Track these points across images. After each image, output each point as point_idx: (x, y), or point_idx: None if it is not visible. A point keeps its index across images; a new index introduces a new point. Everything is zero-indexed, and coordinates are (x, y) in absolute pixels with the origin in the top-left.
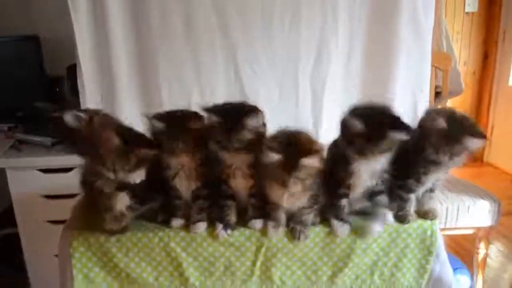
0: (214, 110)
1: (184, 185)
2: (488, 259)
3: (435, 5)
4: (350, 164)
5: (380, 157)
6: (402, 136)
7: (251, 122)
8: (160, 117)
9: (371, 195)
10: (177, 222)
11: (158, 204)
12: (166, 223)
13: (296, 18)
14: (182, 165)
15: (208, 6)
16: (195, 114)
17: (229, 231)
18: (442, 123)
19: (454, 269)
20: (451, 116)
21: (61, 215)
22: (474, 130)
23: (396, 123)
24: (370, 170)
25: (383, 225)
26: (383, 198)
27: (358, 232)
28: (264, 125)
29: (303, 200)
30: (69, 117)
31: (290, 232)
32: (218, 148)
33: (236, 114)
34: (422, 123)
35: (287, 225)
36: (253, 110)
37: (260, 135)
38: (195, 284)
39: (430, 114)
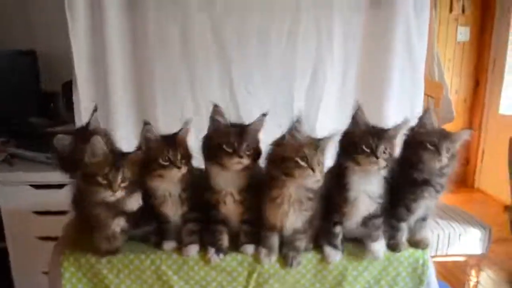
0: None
1: (172, 210)
2: (479, 287)
3: (428, 33)
4: (347, 190)
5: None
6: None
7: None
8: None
9: (367, 219)
10: (168, 244)
11: (152, 228)
12: (159, 245)
13: (292, 37)
14: (169, 192)
15: (205, 23)
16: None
17: (221, 256)
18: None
19: None
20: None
21: (52, 232)
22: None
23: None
24: (367, 194)
25: (384, 244)
26: (379, 221)
27: (365, 255)
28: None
29: (301, 220)
30: (56, 142)
31: (283, 258)
32: (225, 160)
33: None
34: (408, 140)
35: (280, 251)
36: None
37: (256, 155)
38: None
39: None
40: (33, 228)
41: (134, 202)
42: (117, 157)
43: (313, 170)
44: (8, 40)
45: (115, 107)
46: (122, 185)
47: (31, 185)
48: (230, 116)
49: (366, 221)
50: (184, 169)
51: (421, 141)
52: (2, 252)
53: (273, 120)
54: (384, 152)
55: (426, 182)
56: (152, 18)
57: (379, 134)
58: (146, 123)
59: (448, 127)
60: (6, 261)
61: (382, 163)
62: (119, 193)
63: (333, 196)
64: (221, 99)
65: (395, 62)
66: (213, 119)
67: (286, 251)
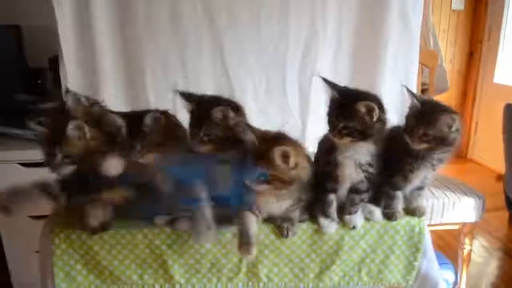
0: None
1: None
2: (472, 255)
3: (424, 2)
4: (334, 153)
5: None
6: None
7: (217, 114)
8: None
9: (354, 192)
10: (160, 219)
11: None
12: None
13: (284, 9)
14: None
15: None
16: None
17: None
18: (416, 103)
19: (439, 265)
20: (426, 101)
21: (42, 210)
22: (446, 108)
23: (368, 97)
24: (354, 160)
25: (362, 218)
26: (358, 197)
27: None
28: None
29: (285, 205)
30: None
31: (278, 229)
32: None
33: (208, 106)
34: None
35: (274, 219)
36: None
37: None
38: (180, 282)
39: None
40: None
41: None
42: None
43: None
44: None
45: (103, 84)
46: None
47: (19, 163)
48: (224, 91)
49: (350, 193)
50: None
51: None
52: None
53: (266, 91)
54: (345, 129)
55: (425, 156)
56: None
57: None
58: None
59: (442, 96)
60: None
61: (346, 138)
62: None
63: (324, 163)
64: (212, 73)
65: (390, 31)
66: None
67: (280, 223)
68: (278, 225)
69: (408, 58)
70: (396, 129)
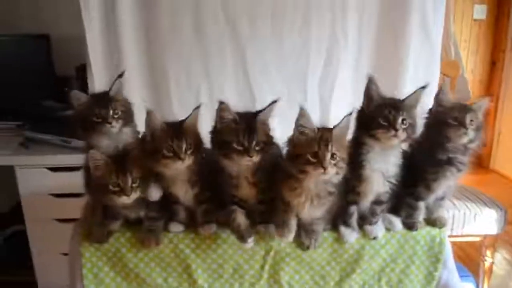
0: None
1: (182, 191)
2: (493, 267)
3: (445, 12)
4: (363, 167)
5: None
6: None
7: (263, 117)
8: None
9: (376, 203)
10: (175, 227)
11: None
12: (165, 228)
13: (306, 20)
14: (177, 176)
15: (218, 7)
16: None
17: (249, 240)
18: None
19: (460, 277)
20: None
21: (69, 214)
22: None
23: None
24: (382, 172)
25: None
26: (380, 208)
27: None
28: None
29: (320, 211)
30: (73, 97)
31: (301, 243)
32: (237, 159)
33: (250, 115)
34: (428, 122)
35: (297, 232)
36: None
37: (268, 145)
38: (204, 286)
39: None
40: (50, 210)
41: (154, 193)
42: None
43: (324, 167)
44: (21, 25)
45: (129, 94)
46: (134, 185)
47: (47, 168)
48: (245, 100)
49: (371, 204)
50: (188, 160)
51: (443, 119)
52: (22, 234)
53: (288, 102)
54: (403, 123)
55: (450, 161)
56: (164, 3)
57: (396, 105)
58: (148, 112)
59: None
60: (26, 243)
61: (402, 135)
62: (133, 195)
63: (348, 175)
64: (235, 83)
65: (411, 41)
66: (219, 116)
67: (304, 235)
68: (302, 238)
69: (429, 68)
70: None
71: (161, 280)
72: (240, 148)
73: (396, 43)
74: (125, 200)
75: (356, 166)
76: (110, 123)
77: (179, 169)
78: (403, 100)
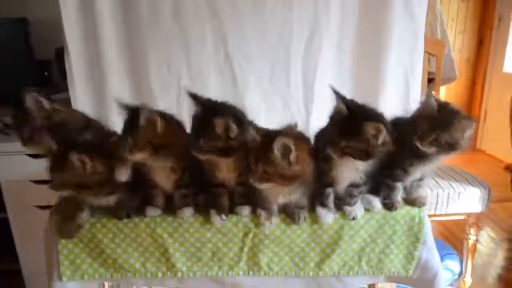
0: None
1: (163, 177)
2: (478, 245)
3: None
4: (330, 161)
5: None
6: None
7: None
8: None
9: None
10: (152, 210)
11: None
12: (139, 212)
13: (287, 0)
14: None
15: None
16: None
17: (224, 217)
18: (433, 103)
19: (444, 255)
20: (442, 105)
21: (50, 200)
22: (462, 115)
23: (377, 117)
24: (351, 169)
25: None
26: (357, 190)
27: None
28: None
29: (294, 196)
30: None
31: (289, 217)
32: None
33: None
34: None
35: (281, 211)
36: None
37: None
38: (182, 270)
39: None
40: (31, 197)
41: (123, 174)
42: None
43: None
44: None
45: (108, 76)
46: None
47: (27, 154)
48: (227, 83)
49: (348, 187)
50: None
51: (416, 120)
52: (4, 221)
53: (270, 83)
54: (348, 148)
55: (424, 155)
56: None
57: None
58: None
59: (450, 86)
60: (8, 230)
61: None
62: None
63: (321, 160)
64: (216, 66)
65: (395, 20)
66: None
67: (290, 209)
68: (291, 212)
69: (412, 46)
70: (398, 121)
71: (139, 265)
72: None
73: (379, 22)
74: None
75: (326, 155)
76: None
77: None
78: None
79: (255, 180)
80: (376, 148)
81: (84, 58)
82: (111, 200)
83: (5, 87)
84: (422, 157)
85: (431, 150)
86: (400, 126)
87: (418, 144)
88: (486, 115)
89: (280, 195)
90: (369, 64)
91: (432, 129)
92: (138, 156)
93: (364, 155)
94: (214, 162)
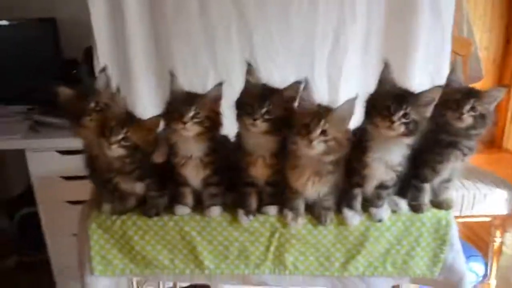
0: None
1: (192, 173)
2: (503, 247)
3: None
4: (365, 153)
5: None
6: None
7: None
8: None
9: (381, 187)
10: (181, 209)
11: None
12: (169, 209)
13: (313, 1)
14: (191, 153)
15: None
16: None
17: (251, 217)
18: (460, 76)
19: (469, 257)
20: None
21: (80, 196)
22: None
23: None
24: (384, 162)
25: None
26: (385, 192)
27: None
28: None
29: (323, 189)
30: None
31: (316, 218)
32: (244, 121)
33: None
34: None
35: (308, 211)
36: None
37: (287, 116)
38: (210, 267)
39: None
40: (62, 192)
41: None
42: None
43: (309, 140)
44: (27, 8)
45: (135, 74)
46: (122, 142)
47: (57, 151)
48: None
49: (376, 188)
50: (192, 128)
51: (446, 100)
52: (34, 216)
53: None
54: (405, 117)
55: (453, 144)
56: None
57: (402, 97)
58: (172, 76)
59: (477, 85)
60: (38, 225)
61: (399, 128)
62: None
63: (353, 158)
64: (242, 66)
65: (421, 20)
66: (246, 80)
67: (317, 211)
68: (316, 213)
69: (440, 47)
70: None
71: (168, 262)
72: (248, 111)
73: (406, 23)
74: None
75: (359, 152)
76: (89, 115)
77: (183, 136)
78: (415, 94)
79: (312, 139)
80: (423, 121)
81: (111, 55)
82: (138, 187)
83: (34, 85)
84: (450, 149)
85: (467, 122)
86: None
87: (457, 116)
88: None
89: (310, 185)
90: (395, 64)
91: (467, 97)
92: (194, 129)
93: (415, 127)
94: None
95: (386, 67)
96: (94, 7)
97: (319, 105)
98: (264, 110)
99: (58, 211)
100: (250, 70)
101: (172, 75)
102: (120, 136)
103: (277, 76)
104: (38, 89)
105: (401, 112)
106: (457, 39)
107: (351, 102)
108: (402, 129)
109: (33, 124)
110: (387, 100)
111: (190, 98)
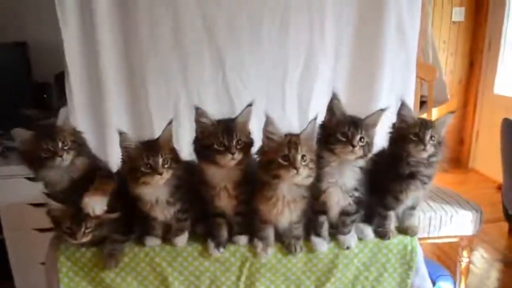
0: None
1: (162, 214)
2: (471, 266)
3: (421, 15)
4: (321, 180)
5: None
6: None
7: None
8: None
9: (344, 214)
10: (151, 241)
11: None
12: (139, 241)
13: (284, 25)
14: (156, 198)
15: (196, 14)
16: None
17: (221, 250)
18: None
19: (438, 277)
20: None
21: (48, 223)
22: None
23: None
24: (339, 186)
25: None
26: (350, 219)
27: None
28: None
29: (296, 215)
30: (14, 135)
31: (286, 247)
32: (218, 159)
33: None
34: (392, 136)
35: (278, 240)
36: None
37: (247, 147)
38: None
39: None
40: (29, 220)
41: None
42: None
43: (295, 168)
44: None
45: (107, 100)
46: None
47: (26, 178)
48: (224, 106)
49: (340, 215)
50: (167, 174)
51: (404, 135)
52: (1, 244)
53: (267, 108)
54: (361, 141)
55: (413, 175)
56: (143, 9)
57: (355, 123)
58: (120, 133)
59: (442, 107)
60: (4, 252)
61: (359, 152)
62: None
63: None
64: (214, 89)
65: (387, 46)
66: (198, 122)
67: (287, 240)
68: (287, 243)
69: (405, 72)
70: (382, 152)
71: None
72: (221, 148)
73: (372, 47)
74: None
75: (317, 179)
76: (61, 156)
77: (159, 183)
78: (363, 119)
79: (298, 167)
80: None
81: (83, 80)
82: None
83: (5, 110)
84: (410, 179)
85: (431, 150)
86: (383, 156)
87: (422, 148)
88: (478, 136)
89: (286, 213)
90: (363, 86)
91: (425, 128)
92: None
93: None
94: (215, 190)
95: (334, 96)
96: (66, 32)
97: (285, 135)
98: (235, 141)
99: (25, 239)
100: (200, 113)
101: (120, 133)
102: (83, 230)
103: (249, 99)
104: (8, 113)
105: (359, 136)
106: (422, 65)
107: (312, 124)
108: (361, 152)
109: (3, 150)
110: (342, 127)
111: (150, 148)
